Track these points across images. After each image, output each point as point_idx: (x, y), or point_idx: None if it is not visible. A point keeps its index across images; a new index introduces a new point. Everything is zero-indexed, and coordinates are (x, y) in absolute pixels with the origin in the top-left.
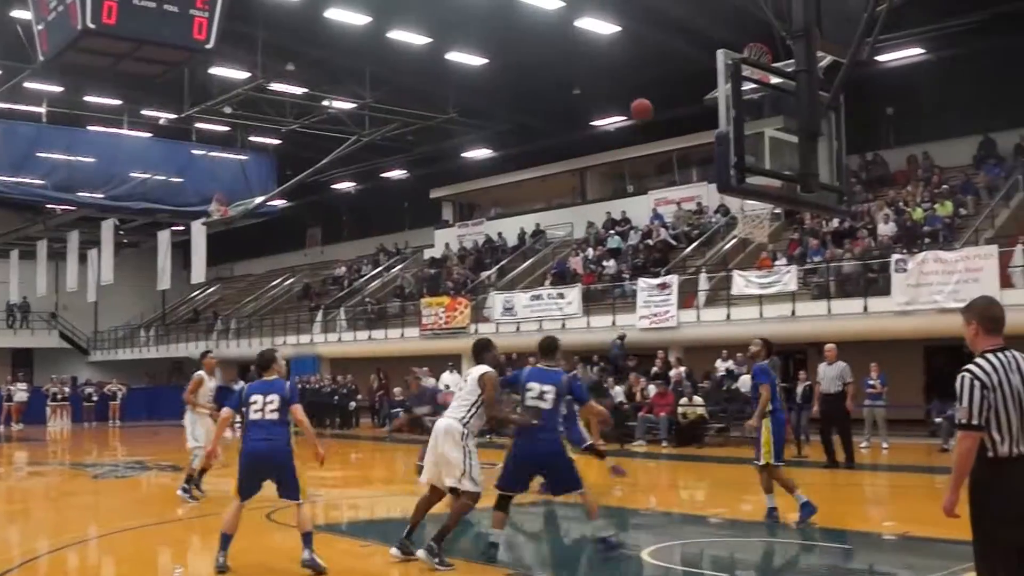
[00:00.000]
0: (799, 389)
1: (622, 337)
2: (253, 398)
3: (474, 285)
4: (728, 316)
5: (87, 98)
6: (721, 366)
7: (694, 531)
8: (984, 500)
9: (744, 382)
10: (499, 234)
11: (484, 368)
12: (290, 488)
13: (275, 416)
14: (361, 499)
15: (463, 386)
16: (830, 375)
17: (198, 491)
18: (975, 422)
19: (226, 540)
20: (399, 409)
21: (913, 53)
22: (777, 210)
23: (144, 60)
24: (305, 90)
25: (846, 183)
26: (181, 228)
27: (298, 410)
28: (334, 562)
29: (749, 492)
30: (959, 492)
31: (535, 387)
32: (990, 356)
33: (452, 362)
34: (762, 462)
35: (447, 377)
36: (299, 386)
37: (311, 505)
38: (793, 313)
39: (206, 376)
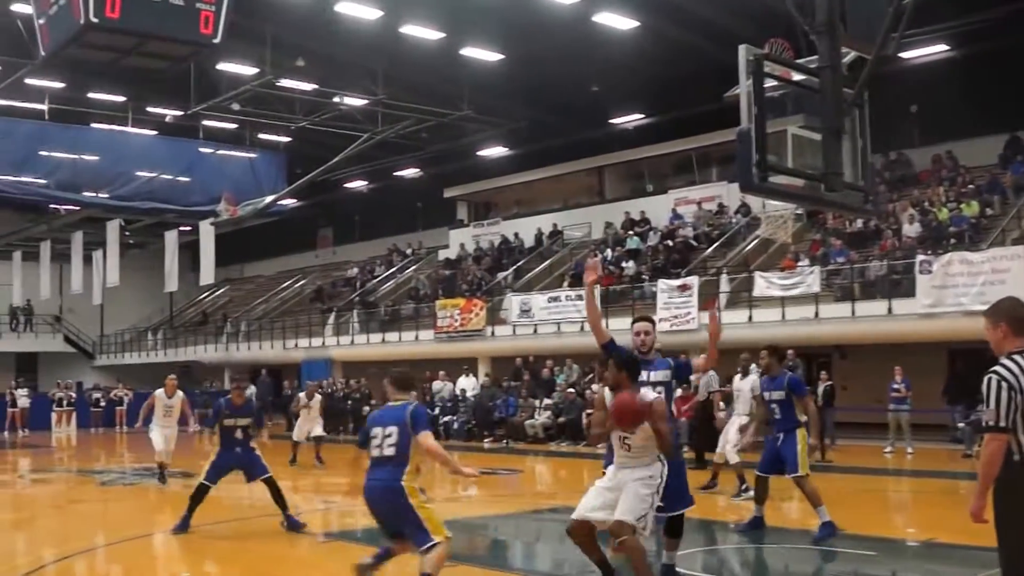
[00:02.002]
0: (820, 390)
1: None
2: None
3: (490, 286)
4: (750, 318)
5: (90, 95)
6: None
7: (716, 537)
8: (1011, 504)
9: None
10: (515, 234)
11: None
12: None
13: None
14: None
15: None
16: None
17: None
18: (1002, 424)
19: None
20: None
21: (938, 49)
22: (799, 210)
23: (149, 55)
24: (315, 86)
25: (870, 182)
26: (188, 228)
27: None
28: (348, 570)
29: (772, 498)
30: (986, 497)
31: (377, 432)
32: (1017, 358)
33: (468, 366)
34: (800, 473)
35: (464, 381)
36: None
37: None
38: (816, 315)
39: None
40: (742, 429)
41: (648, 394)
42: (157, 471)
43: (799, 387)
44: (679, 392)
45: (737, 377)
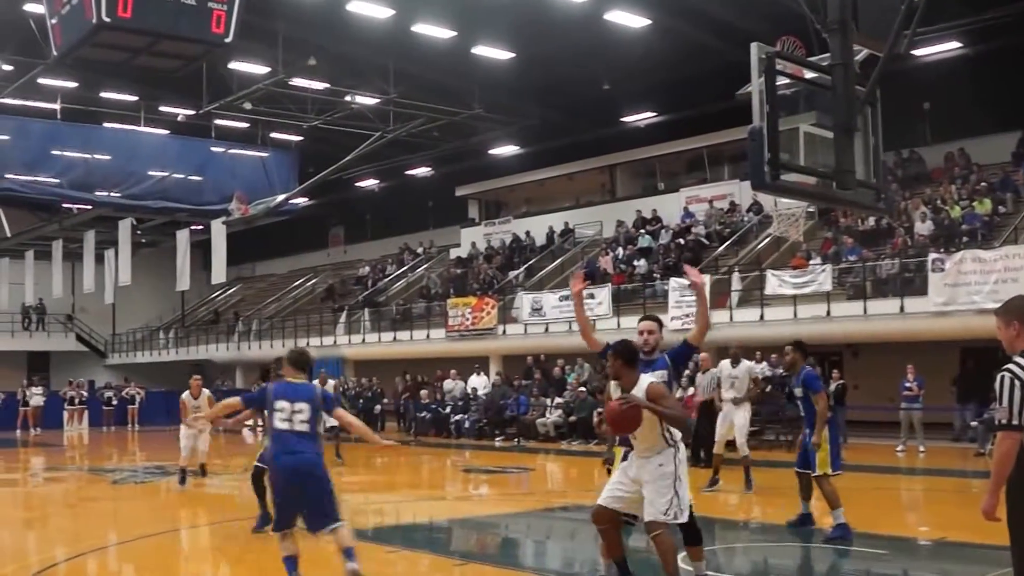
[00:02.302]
0: (832, 388)
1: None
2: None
3: (501, 285)
4: (762, 317)
5: (103, 94)
6: (756, 368)
7: (727, 536)
8: (1023, 502)
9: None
10: (527, 233)
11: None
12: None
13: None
14: (387, 504)
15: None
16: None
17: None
18: (1016, 422)
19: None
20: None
21: (950, 47)
22: (811, 208)
23: (161, 55)
24: (327, 85)
25: (883, 180)
26: (200, 227)
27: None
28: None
29: (782, 496)
30: (999, 495)
31: (285, 406)
32: None
33: (479, 364)
34: (818, 472)
35: (476, 380)
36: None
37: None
38: (828, 314)
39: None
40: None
41: (644, 380)
42: (179, 472)
43: (811, 383)
44: (680, 392)
45: (726, 363)
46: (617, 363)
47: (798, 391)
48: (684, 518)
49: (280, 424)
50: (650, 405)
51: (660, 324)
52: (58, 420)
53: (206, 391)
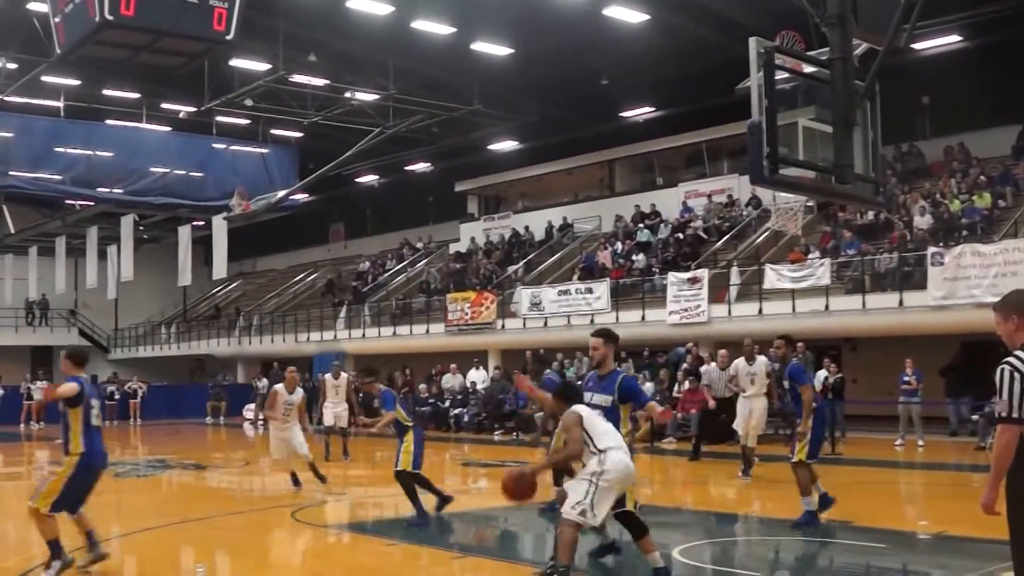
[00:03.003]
0: (831, 382)
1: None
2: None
3: (500, 280)
4: (760, 311)
5: (105, 91)
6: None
7: (725, 530)
8: (1022, 495)
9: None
10: (526, 228)
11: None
12: None
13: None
14: (386, 498)
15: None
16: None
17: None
18: (1015, 415)
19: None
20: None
21: (950, 40)
22: (810, 202)
23: (163, 52)
24: (327, 82)
25: (881, 174)
26: (202, 223)
27: None
28: (361, 559)
29: (780, 489)
30: (998, 488)
31: (96, 404)
32: None
33: (478, 358)
34: (795, 459)
35: (474, 374)
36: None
37: None
38: (827, 308)
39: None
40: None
41: (570, 410)
42: (291, 478)
43: (796, 375)
44: (687, 385)
45: (740, 361)
46: (556, 402)
47: (787, 383)
48: (594, 522)
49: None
50: (537, 467)
51: (605, 339)
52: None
53: (301, 390)
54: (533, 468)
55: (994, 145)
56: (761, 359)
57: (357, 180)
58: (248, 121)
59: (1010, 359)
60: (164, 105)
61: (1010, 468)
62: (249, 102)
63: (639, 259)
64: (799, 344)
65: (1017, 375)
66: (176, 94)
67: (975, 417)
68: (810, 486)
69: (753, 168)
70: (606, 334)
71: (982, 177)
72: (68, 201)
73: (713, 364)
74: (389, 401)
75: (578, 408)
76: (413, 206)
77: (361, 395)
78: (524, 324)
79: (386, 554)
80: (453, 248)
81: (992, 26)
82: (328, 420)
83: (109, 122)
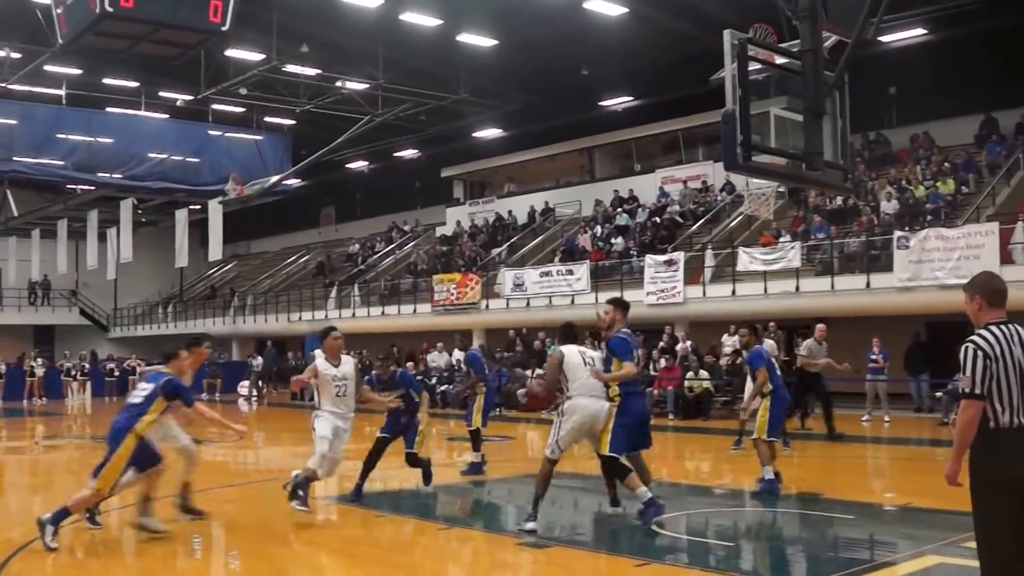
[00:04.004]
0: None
1: None
2: None
3: (485, 262)
4: (733, 292)
5: (105, 80)
6: (728, 341)
7: (700, 502)
8: (984, 470)
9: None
10: (509, 212)
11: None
12: None
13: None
14: (375, 471)
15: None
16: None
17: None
18: (978, 391)
19: None
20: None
21: (916, 33)
22: (782, 188)
23: (161, 43)
24: (319, 71)
25: (850, 161)
26: (198, 207)
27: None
28: (350, 531)
29: (752, 463)
30: (961, 462)
31: None
32: (993, 328)
33: (462, 336)
34: (755, 436)
35: (460, 353)
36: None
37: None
38: (797, 289)
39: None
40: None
41: (554, 353)
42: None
43: (752, 360)
44: (663, 363)
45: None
46: (561, 337)
47: (748, 368)
48: (555, 455)
49: None
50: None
51: (615, 306)
52: (62, 391)
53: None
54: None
55: (958, 134)
56: (767, 343)
57: (347, 166)
58: (243, 109)
59: (974, 337)
60: (162, 93)
61: (973, 442)
62: (244, 91)
63: (618, 242)
64: (771, 324)
65: (980, 353)
66: (174, 83)
67: (938, 394)
68: (769, 458)
69: (727, 155)
70: (616, 301)
71: (946, 164)
72: (69, 186)
73: (811, 339)
74: (412, 382)
75: (564, 349)
76: (401, 191)
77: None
78: (507, 304)
79: (375, 525)
80: (439, 231)
81: (956, 20)
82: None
83: (109, 110)
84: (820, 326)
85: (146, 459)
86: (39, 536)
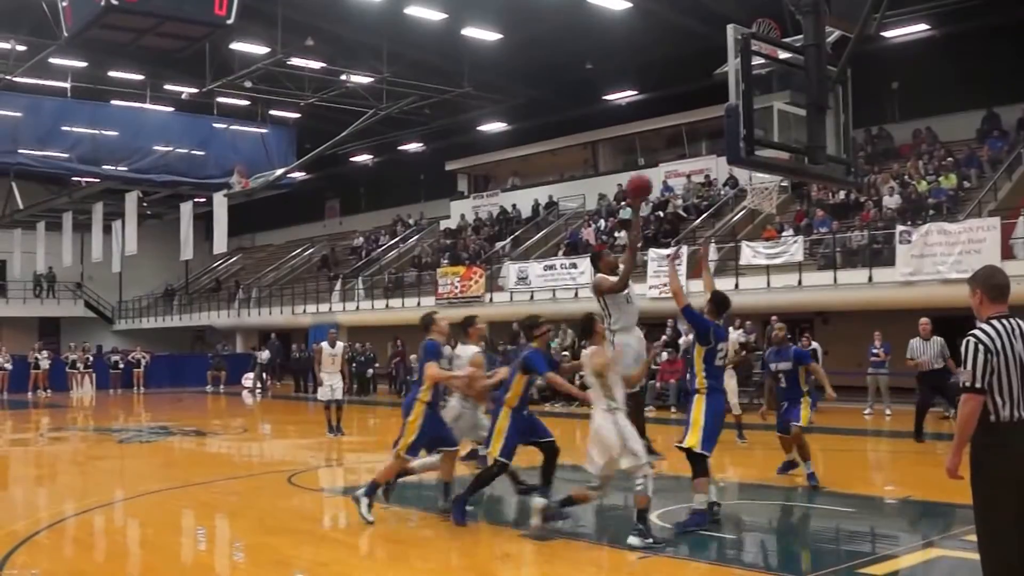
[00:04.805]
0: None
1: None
2: None
3: (489, 255)
4: (736, 286)
5: (111, 73)
6: (733, 336)
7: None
8: (984, 463)
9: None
10: (513, 205)
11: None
12: None
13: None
14: (379, 463)
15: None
16: (932, 351)
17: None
18: (979, 385)
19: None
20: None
21: (918, 29)
22: (785, 182)
23: (166, 35)
24: (324, 65)
25: (853, 155)
26: (203, 200)
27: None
28: (354, 523)
29: (756, 456)
30: (961, 455)
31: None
32: (994, 322)
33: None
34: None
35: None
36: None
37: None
38: (800, 283)
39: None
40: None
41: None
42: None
43: (806, 357)
44: (664, 356)
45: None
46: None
47: (784, 366)
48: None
49: None
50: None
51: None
52: (66, 383)
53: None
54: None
55: (960, 128)
56: (734, 333)
57: (352, 159)
58: (248, 102)
59: (975, 331)
60: (167, 86)
61: (974, 436)
62: (249, 84)
63: (621, 236)
64: (772, 317)
65: (981, 347)
66: (179, 76)
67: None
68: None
69: (730, 149)
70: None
71: (948, 159)
72: (75, 178)
73: (917, 338)
74: (540, 361)
75: None
76: (405, 184)
77: (355, 365)
78: (511, 297)
79: (379, 517)
80: (444, 224)
81: (958, 16)
82: (325, 394)
83: (114, 102)
84: (923, 320)
85: (439, 438)
86: (358, 509)
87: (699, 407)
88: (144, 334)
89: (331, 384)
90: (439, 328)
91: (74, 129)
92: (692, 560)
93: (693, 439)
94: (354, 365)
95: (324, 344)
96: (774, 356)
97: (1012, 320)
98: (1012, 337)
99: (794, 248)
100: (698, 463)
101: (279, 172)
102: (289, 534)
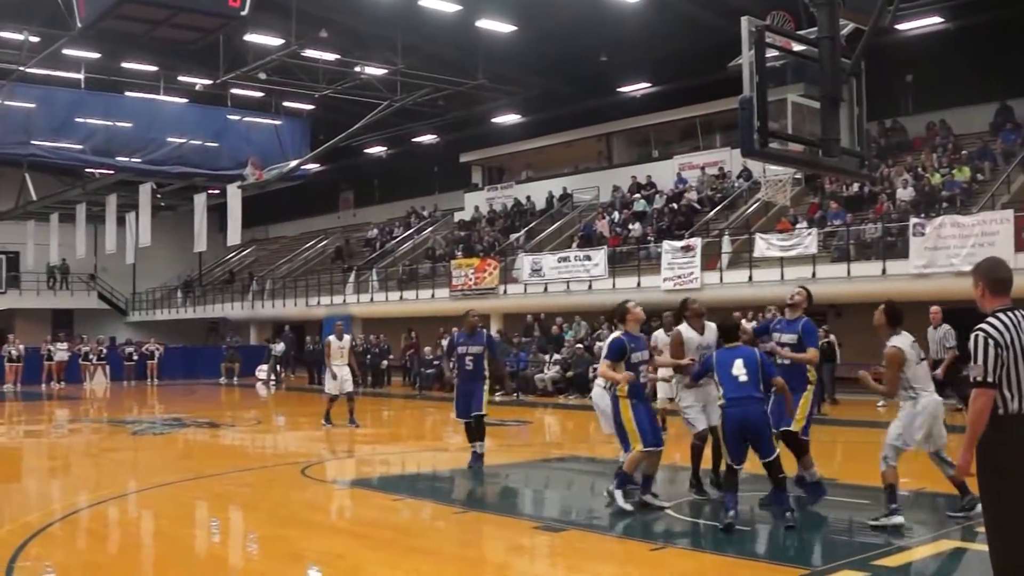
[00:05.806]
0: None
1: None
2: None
3: (503, 247)
4: (750, 278)
5: (124, 64)
6: (746, 328)
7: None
8: (993, 456)
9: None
10: (527, 197)
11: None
12: None
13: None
14: (392, 455)
15: None
16: (936, 339)
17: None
18: (990, 379)
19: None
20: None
21: (932, 21)
22: (798, 174)
23: (180, 27)
24: (338, 56)
25: (866, 148)
26: (217, 191)
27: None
28: (366, 515)
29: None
30: (973, 450)
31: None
32: (1001, 315)
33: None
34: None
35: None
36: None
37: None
38: (813, 275)
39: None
40: None
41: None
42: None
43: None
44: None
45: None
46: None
47: (788, 338)
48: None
49: None
50: None
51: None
52: (80, 375)
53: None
54: None
55: (973, 121)
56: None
57: (366, 151)
58: (262, 94)
59: (983, 325)
60: (181, 78)
61: (984, 430)
62: (263, 75)
63: (635, 228)
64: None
65: (991, 341)
66: (192, 67)
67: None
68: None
69: (744, 141)
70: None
71: (962, 152)
72: (88, 170)
73: (930, 327)
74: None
75: None
76: (419, 176)
77: (369, 357)
78: (525, 289)
79: (392, 508)
80: (458, 216)
81: (972, 9)
82: (331, 387)
83: (128, 94)
84: (934, 308)
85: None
86: (610, 502)
87: (806, 399)
88: (158, 326)
89: (341, 376)
90: (634, 316)
91: (88, 120)
92: (704, 552)
93: (798, 425)
94: (368, 357)
95: (332, 337)
96: (784, 326)
97: (1018, 312)
98: (1019, 330)
99: (808, 240)
100: (800, 445)
101: (293, 164)
102: (303, 526)
